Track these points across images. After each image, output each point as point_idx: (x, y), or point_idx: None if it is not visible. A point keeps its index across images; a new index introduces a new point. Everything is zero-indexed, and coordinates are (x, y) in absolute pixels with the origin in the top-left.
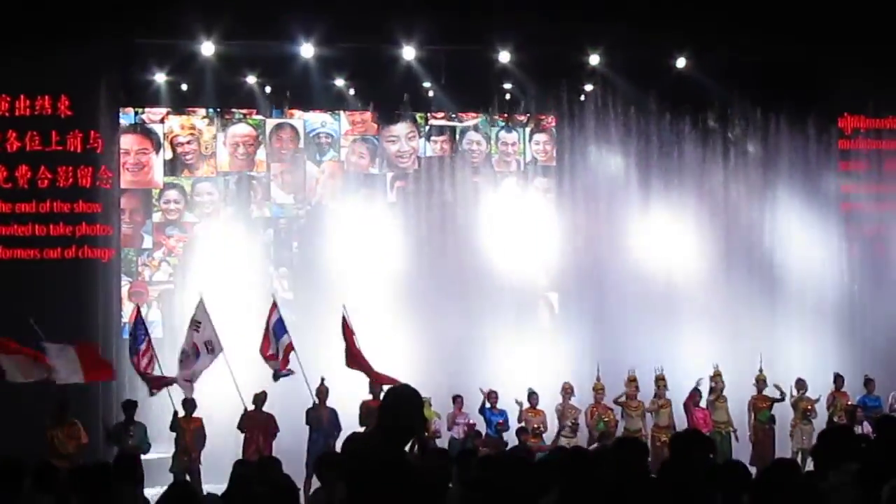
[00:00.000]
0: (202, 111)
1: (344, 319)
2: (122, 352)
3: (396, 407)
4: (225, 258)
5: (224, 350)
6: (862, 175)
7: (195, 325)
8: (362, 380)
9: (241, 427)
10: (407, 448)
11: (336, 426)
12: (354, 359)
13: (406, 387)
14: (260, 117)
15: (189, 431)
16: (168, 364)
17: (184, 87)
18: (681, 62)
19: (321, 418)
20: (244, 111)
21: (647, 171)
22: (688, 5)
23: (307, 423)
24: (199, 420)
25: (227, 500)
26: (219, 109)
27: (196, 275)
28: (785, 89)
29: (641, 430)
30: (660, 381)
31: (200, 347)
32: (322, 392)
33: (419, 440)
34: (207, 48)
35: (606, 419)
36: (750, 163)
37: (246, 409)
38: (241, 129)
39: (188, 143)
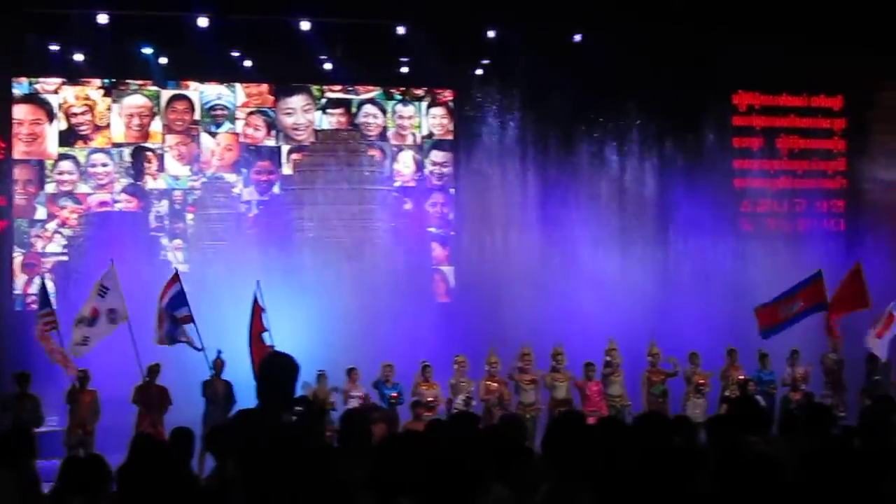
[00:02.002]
0: (97, 82)
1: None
2: (15, 323)
3: (271, 375)
4: (120, 230)
5: (128, 321)
6: (755, 152)
7: (102, 290)
8: None
9: (136, 400)
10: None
11: (231, 399)
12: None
13: (275, 354)
14: (155, 88)
15: (84, 404)
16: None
17: (79, 57)
18: (577, 37)
19: (217, 391)
20: (139, 82)
21: (544, 145)
22: None
23: (203, 395)
24: (94, 392)
25: (125, 472)
26: (114, 80)
27: (92, 246)
28: (681, 65)
29: (535, 404)
30: (557, 355)
31: (102, 314)
32: (218, 365)
33: (305, 405)
34: (103, 18)
35: (501, 393)
36: (645, 138)
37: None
38: (136, 101)
39: (83, 113)
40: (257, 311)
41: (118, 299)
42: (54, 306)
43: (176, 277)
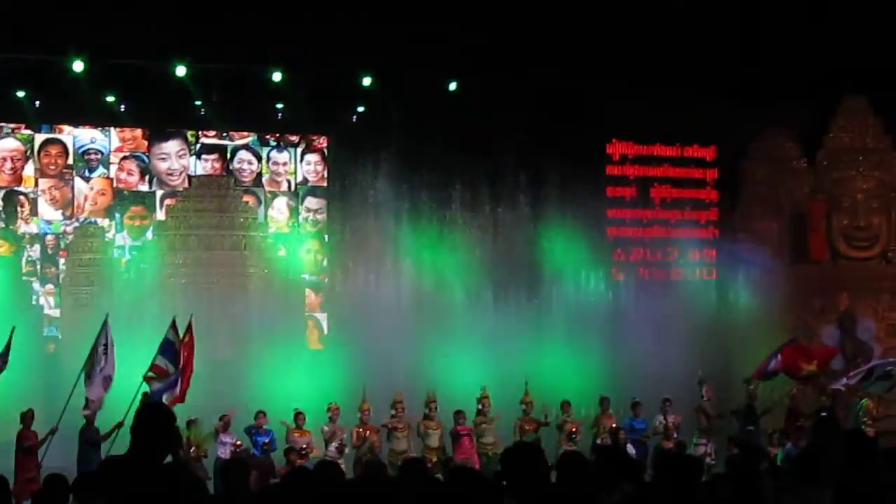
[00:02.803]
0: None
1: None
2: None
3: (147, 426)
4: None
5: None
6: (628, 201)
7: (105, 348)
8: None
9: (29, 446)
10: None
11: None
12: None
13: (156, 405)
14: (29, 132)
15: None
16: None
17: None
18: (453, 85)
19: (91, 437)
20: (13, 125)
21: (418, 192)
22: (455, 30)
23: (79, 441)
24: None
25: None
26: None
27: None
28: (556, 114)
29: (407, 452)
30: (431, 403)
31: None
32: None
33: (175, 457)
34: None
35: (372, 441)
36: (520, 188)
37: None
38: (9, 144)
39: None
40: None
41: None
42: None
43: None
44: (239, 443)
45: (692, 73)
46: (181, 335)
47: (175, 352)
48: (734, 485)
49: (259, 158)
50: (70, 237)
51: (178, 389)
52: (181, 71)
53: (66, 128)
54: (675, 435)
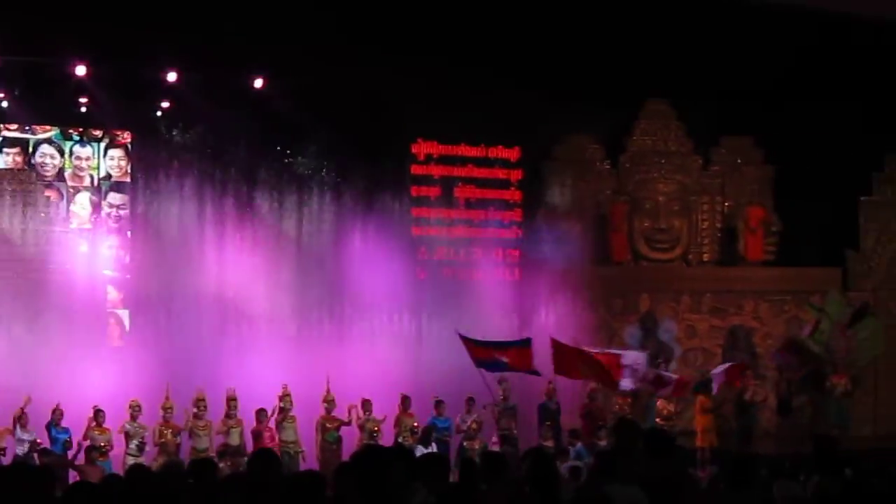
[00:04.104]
0: None
1: None
2: None
3: None
4: None
5: None
6: (433, 200)
7: None
8: None
9: None
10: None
11: None
12: None
13: None
14: None
15: None
16: None
17: None
18: (258, 83)
19: None
20: None
21: (222, 191)
22: (265, 28)
23: None
24: None
25: None
26: None
27: None
28: (361, 112)
29: (208, 450)
30: (231, 401)
31: None
32: None
33: None
34: None
35: (167, 440)
36: (325, 186)
37: None
38: None
39: None
40: None
41: None
42: None
43: None
44: (39, 441)
45: (497, 74)
46: None
47: None
48: (533, 484)
49: (62, 153)
50: None
51: None
52: None
53: None
54: (479, 434)
